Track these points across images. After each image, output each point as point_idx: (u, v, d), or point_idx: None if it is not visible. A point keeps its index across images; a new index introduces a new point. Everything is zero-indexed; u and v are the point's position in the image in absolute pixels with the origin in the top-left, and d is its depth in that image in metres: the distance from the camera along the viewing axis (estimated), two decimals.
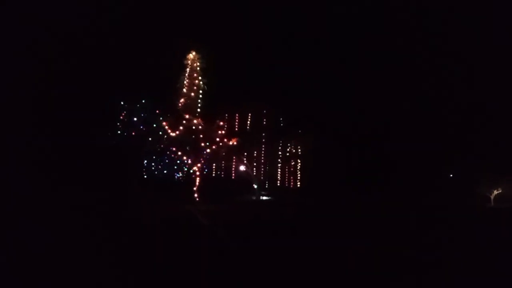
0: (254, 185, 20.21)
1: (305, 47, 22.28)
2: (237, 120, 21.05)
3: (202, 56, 18.10)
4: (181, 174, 19.83)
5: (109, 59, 18.21)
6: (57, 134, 17.16)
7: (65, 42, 17.12)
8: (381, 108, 21.33)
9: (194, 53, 18.11)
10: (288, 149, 21.86)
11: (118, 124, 17.70)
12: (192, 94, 17.81)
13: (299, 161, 22.48)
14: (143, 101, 17.73)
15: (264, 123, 21.03)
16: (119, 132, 17.66)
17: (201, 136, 17.53)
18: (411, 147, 21.71)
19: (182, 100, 17.72)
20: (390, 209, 16.23)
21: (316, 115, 20.78)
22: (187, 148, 17.65)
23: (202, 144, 17.54)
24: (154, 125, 17.51)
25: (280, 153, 21.60)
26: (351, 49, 22.09)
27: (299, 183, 22.75)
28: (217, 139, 17.74)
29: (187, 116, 17.46)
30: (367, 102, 21.26)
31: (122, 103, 17.79)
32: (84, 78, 17.87)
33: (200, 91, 18.02)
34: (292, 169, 22.69)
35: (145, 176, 19.66)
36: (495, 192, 21.49)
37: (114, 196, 15.75)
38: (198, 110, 17.86)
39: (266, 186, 22.28)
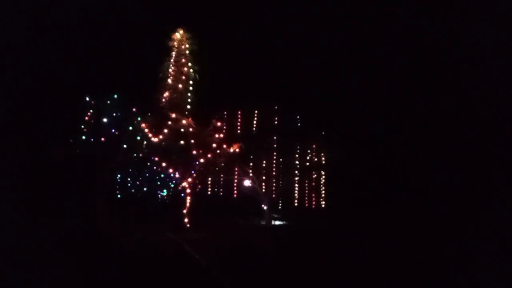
0: (263, 205, 18.08)
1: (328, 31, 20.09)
2: (239, 120, 18.97)
3: (192, 36, 15.88)
4: (166, 192, 17.77)
5: (69, 41, 15.99)
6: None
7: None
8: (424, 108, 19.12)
9: (181, 31, 15.90)
10: (308, 158, 19.60)
11: (82, 127, 15.49)
12: (180, 86, 15.83)
13: (323, 173, 20.15)
14: (115, 96, 15.59)
15: (276, 123, 18.92)
16: (83, 137, 15.43)
17: (192, 141, 15.67)
18: (463, 154, 19.22)
19: (166, 94, 15.77)
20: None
21: (342, 112, 18.40)
22: (174, 157, 15.87)
23: (194, 152, 15.63)
24: (130, 128, 15.47)
25: (297, 163, 19.20)
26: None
27: (323, 202, 20.26)
28: (214, 145, 15.93)
29: (173, 115, 15.59)
30: (405, 99, 19.17)
31: (87, 99, 15.43)
32: (35, 66, 15.58)
33: (190, 82, 16.00)
34: (314, 183, 20.38)
35: (119, 196, 17.48)
36: None
37: (74, 224, 13.73)
38: (188, 107, 15.98)
39: (279, 207, 20.18)
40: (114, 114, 15.50)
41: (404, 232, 14.72)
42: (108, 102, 15.55)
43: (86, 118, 15.49)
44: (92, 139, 15.43)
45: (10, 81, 14.87)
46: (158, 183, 17.53)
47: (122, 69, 16.41)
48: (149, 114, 15.68)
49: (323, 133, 18.78)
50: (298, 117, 19.30)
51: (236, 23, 19.04)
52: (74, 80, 15.83)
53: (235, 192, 19.17)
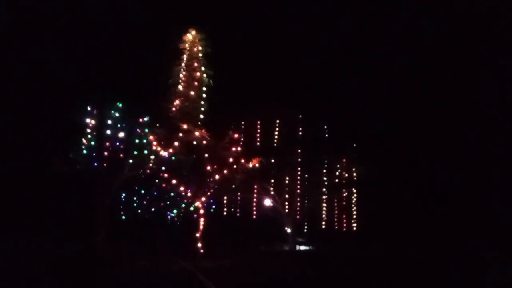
0: (286, 228, 17.70)
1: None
2: (259, 131, 18.71)
3: (205, 37, 15.66)
4: (176, 213, 17.85)
5: (70, 43, 15.54)
6: None
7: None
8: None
9: (193, 32, 15.67)
10: (337, 174, 19.09)
11: (82, 140, 14.99)
12: (192, 93, 15.63)
13: (354, 191, 19.66)
14: (120, 105, 15.19)
15: (300, 134, 18.57)
16: (84, 152, 14.99)
17: (206, 155, 15.64)
18: None
19: (177, 102, 15.60)
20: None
21: (376, 121, 17.69)
22: (186, 173, 15.83)
23: (208, 168, 15.60)
24: (136, 141, 15.13)
25: (325, 179, 18.72)
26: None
27: (354, 224, 19.73)
28: (230, 160, 15.82)
29: (185, 126, 15.45)
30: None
31: (88, 108, 14.87)
32: (34, 69, 15.29)
33: (204, 89, 15.82)
34: (344, 203, 19.89)
35: (123, 217, 17.43)
36: None
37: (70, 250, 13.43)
38: (201, 116, 15.84)
39: (305, 230, 19.77)
40: (119, 126, 15.08)
41: (451, 261, 13.65)
42: (112, 111, 15.12)
43: (88, 130, 14.99)
44: (94, 154, 14.99)
45: (8, 87, 14.49)
46: (168, 202, 17.56)
47: (128, 75, 15.82)
48: (157, 125, 15.42)
49: (354, 145, 18.29)
50: (325, 126, 19.00)
51: (254, 24, 18.74)
52: (74, 87, 15.23)
53: (254, 212, 18.92)
